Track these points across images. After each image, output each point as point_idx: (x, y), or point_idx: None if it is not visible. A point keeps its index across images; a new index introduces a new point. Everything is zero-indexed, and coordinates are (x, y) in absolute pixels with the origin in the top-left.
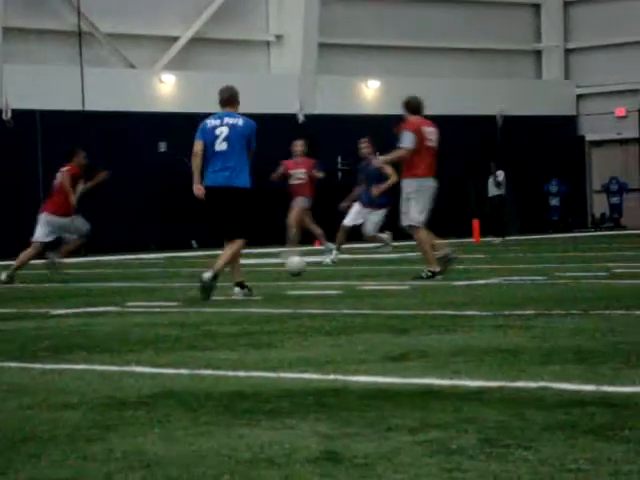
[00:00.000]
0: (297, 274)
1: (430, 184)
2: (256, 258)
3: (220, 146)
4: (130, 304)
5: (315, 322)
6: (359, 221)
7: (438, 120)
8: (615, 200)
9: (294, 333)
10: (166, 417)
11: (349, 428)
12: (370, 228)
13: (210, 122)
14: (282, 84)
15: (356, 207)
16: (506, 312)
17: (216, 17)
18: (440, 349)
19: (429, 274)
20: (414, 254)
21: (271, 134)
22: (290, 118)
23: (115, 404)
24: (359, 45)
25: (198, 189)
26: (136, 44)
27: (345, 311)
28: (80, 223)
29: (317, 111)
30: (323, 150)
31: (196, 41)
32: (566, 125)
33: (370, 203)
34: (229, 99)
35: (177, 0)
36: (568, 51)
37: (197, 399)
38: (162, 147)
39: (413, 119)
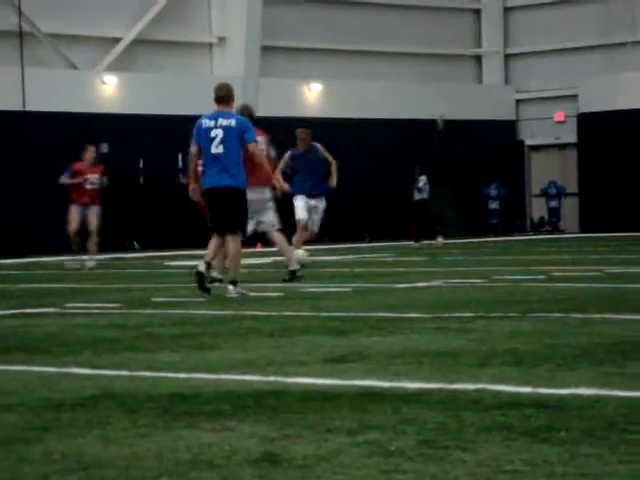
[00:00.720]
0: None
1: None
2: (199, 260)
3: (217, 149)
4: (70, 305)
5: (256, 324)
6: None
7: (379, 123)
8: (553, 204)
9: (235, 335)
10: (105, 419)
11: (289, 430)
12: (318, 224)
13: (205, 122)
14: None
15: (300, 200)
16: (445, 315)
17: (159, 19)
18: (380, 351)
19: (294, 274)
20: (351, 257)
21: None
22: None
23: (53, 406)
24: (302, 48)
25: (193, 191)
26: (78, 45)
27: (286, 313)
28: None
29: (259, 113)
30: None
31: (138, 42)
32: (506, 129)
33: (315, 193)
34: (224, 97)
35: (120, 1)
36: (508, 56)
37: (137, 401)
38: (104, 148)
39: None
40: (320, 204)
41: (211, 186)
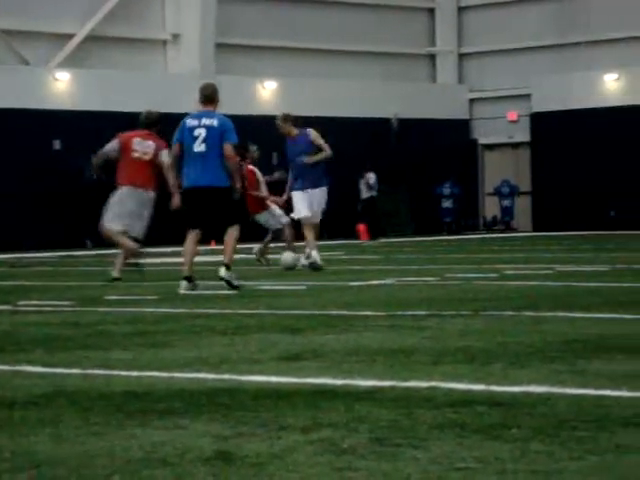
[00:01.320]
0: (291, 268)
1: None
2: (152, 257)
3: (199, 147)
4: (22, 303)
5: (210, 322)
6: (313, 207)
7: (333, 122)
8: (506, 203)
9: (189, 333)
10: (57, 417)
11: (242, 428)
12: (319, 217)
13: (189, 122)
14: (179, 83)
15: (299, 195)
16: (399, 312)
17: (112, 15)
18: (334, 349)
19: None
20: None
21: (167, 134)
22: None
23: (5, 404)
24: (256, 46)
25: (175, 203)
26: (30, 41)
27: (240, 311)
28: None
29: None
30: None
31: (92, 39)
32: (459, 128)
33: (312, 184)
34: (209, 97)
35: None
36: (462, 55)
37: (89, 399)
38: (56, 145)
39: (131, 132)
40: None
41: (194, 185)
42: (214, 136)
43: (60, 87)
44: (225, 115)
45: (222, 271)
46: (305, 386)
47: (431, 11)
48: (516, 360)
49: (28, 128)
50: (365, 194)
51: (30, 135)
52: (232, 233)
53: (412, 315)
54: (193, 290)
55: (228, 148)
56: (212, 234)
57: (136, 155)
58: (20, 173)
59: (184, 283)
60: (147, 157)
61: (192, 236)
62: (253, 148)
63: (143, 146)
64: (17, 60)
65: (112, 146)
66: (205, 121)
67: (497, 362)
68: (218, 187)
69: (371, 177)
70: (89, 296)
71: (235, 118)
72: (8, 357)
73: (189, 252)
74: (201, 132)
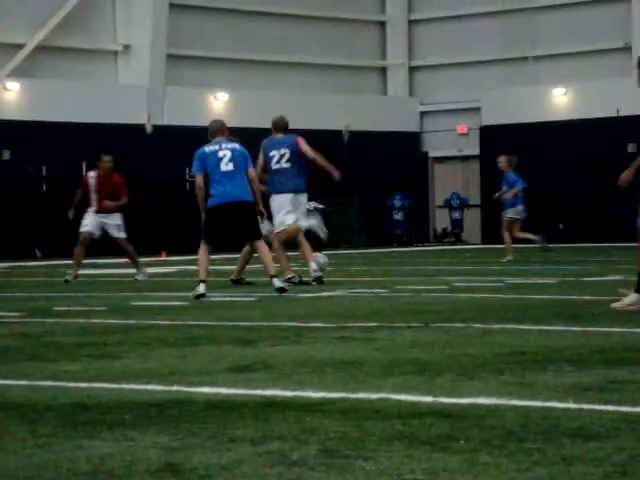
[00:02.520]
0: (322, 269)
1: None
2: (101, 268)
3: (227, 167)
4: None
5: (160, 333)
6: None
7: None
8: (456, 215)
9: (138, 344)
10: (4, 429)
11: (191, 439)
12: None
13: (208, 148)
14: (130, 94)
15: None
16: (349, 324)
17: (63, 25)
18: (284, 360)
19: None
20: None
21: (118, 145)
22: (138, 129)
23: None
24: (208, 57)
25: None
26: None
27: (190, 322)
28: None
29: (165, 122)
30: (171, 161)
31: (42, 49)
32: (410, 141)
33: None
34: (220, 129)
35: (23, 7)
36: (412, 69)
37: (36, 410)
38: (6, 155)
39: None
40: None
41: (228, 201)
42: (239, 155)
43: (10, 97)
44: (176, 126)
45: (276, 282)
46: (255, 398)
47: (382, 24)
48: (465, 372)
49: None
50: (310, 205)
51: None
52: (263, 247)
53: (362, 327)
54: (205, 293)
55: (252, 172)
56: (219, 246)
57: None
58: None
59: (202, 285)
60: None
61: (206, 249)
62: (106, 158)
63: None
64: None
65: None
66: (225, 145)
67: (446, 374)
68: (248, 202)
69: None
70: (38, 307)
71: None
72: None
73: (203, 262)
74: (226, 153)
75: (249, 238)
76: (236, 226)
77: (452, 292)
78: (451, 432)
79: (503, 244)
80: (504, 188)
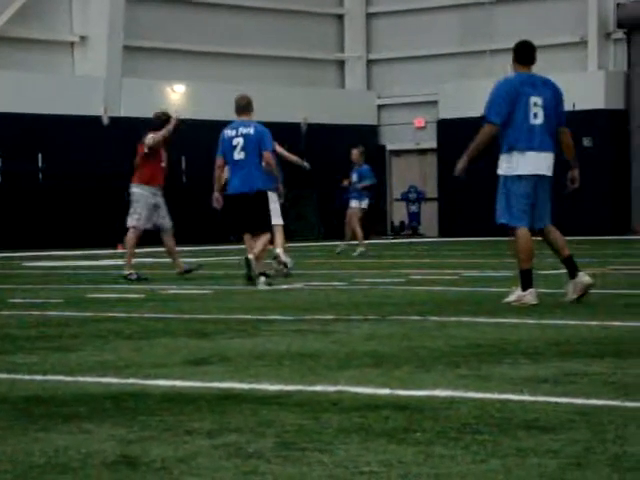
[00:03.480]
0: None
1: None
2: (58, 260)
3: (239, 155)
4: None
5: (116, 326)
6: None
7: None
8: (414, 208)
9: (94, 337)
10: None
11: (147, 432)
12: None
13: (227, 133)
14: (86, 86)
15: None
16: (307, 317)
17: (18, 16)
18: (240, 353)
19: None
20: (213, 259)
21: (74, 136)
22: (94, 120)
23: None
24: (165, 49)
25: (217, 200)
26: None
27: (146, 315)
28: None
29: (122, 114)
30: (128, 154)
31: None
32: (367, 134)
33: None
34: (245, 107)
35: None
36: (370, 62)
37: None
38: None
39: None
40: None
41: (235, 192)
42: (251, 143)
43: None
44: (133, 118)
45: (262, 280)
46: (211, 390)
47: (340, 17)
48: (421, 365)
49: None
50: None
51: None
52: (265, 243)
53: (320, 320)
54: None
55: (267, 155)
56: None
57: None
58: None
59: (262, 279)
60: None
61: (247, 238)
62: None
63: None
64: None
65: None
66: (242, 130)
67: (403, 366)
68: (256, 191)
69: None
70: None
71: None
72: None
73: (248, 241)
74: (239, 141)
75: (254, 229)
76: (242, 217)
77: (409, 285)
78: (407, 424)
79: (459, 237)
80: (356, 178)
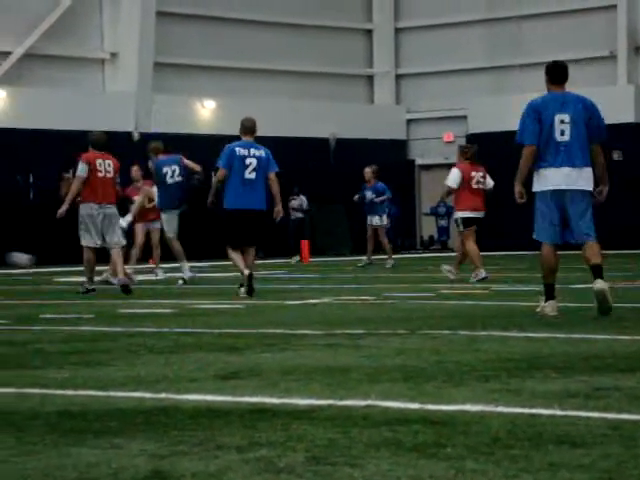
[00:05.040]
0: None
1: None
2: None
3: (250, 175)
4: None
5: (147, 340)
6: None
7: (272, 141)
8: (443, 223)
9: (125, 351)
10: None
11: (178, 447)
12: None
13: (239, 150)
14: (117, 102)
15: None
16: (336, 331)
17: (50, 33)
18: (271, 367)
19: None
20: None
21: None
22: (125, 136)
23: None
24: (196, 65)
25: (211, 203)
26: None
27: (177, 329)
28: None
29: (153, 130)
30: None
31: (29, 57)
32: (397, 149)
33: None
34: (252, 129)
35: (10, 15)
36: (399, 76)
37: (23, 418)
38: None
39: (90, 153)
40: None
41: (243, 207)
42: (262, 166)
43: None
44: (164, 134)
45: (242, 291)
46: (242, 405)
47: (369, 32)
48: (451, 379)
49: None
50: (296, 215)
51: None
52: (252, 251)
53: (349, 334)
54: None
55: (273, 176)
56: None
57: (100, 175)
58: None
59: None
60: (109, 175)
61: (237, 252)
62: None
63: (105, 165)
64: None
65: (82, 168)
66: (254, 152)
67: (432, 381)
68: (263, 210)
69: (296, 200)
70: (25, 314)
71: (175, 137)
72: None
73: (240, 259)
74: (252, 162)
75: (254, 243)
76: (246, 230)
77: (439, 299)
78: (437, 439)
79: (490, 251)
80: (371, 195)
